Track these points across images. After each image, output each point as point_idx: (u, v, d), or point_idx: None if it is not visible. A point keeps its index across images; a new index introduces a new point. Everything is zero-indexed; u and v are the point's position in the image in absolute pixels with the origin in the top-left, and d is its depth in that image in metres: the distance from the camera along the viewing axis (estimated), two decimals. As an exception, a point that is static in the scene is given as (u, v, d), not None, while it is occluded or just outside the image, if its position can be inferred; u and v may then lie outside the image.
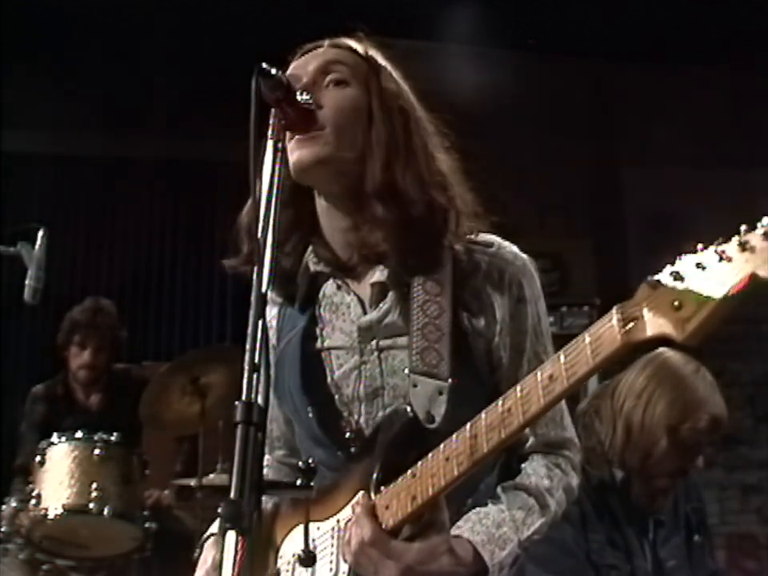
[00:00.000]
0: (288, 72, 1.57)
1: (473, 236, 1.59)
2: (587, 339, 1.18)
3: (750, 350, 5.86)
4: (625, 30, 5.32)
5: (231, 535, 1.07)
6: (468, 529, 1.43)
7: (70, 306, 4.43)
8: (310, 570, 1.50)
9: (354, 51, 1.59)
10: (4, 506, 3.54)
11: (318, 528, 1.52)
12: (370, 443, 1.51)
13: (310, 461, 1.38)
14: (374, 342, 1.56)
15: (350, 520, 1.45)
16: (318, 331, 1.61)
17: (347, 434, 1.56)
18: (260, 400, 1.15)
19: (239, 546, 1.07)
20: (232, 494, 1.09)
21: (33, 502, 3.42)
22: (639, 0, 5.15)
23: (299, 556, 1.37)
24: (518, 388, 1.27)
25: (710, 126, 5.22)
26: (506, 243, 1.60)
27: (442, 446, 1.37)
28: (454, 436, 1.35)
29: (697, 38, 5.29)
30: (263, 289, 1.24)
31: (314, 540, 1.52)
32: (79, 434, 3.56)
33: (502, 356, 1.54)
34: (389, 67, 1.61)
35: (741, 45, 4.92)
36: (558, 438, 1.57)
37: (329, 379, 1.59)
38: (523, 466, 1.54)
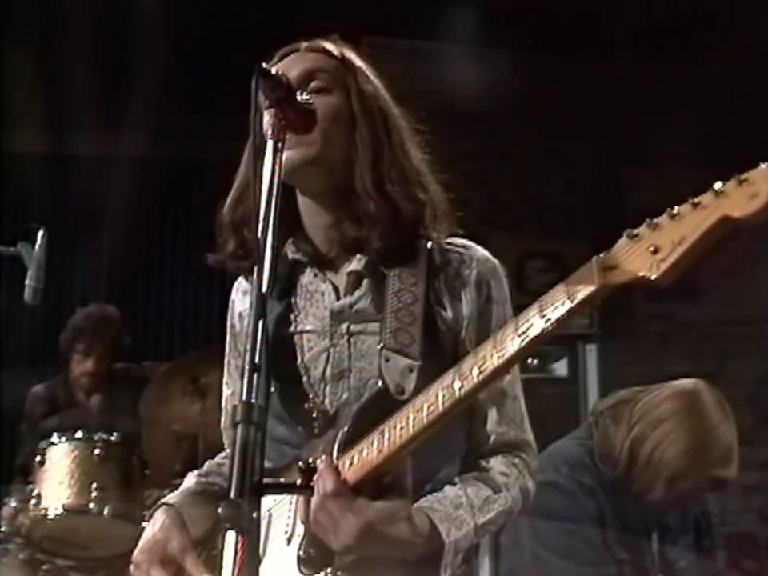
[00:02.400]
0: None
1: (447, 239, 1.67)
2: (563, 284, 1.23)
3: (750, 350, 5.85)
4: (625, 29, 5.31)
5: (231, 535, 1.07)
6: (427, 506, 1.45)
7: (71, 307, 4.42)
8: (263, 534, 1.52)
9: (331, 54, 1.66)
10: (4, 506, 3.54)
11: (275, 499, 1.54)
12: (333, 420, 1.54)
13: (310, 461, 1.38)
14: (344, 326, 1.60)
15: None
16: (292, 317, 1.66)
17: (313, 415, 1.58)
18: (260, 400, 1.15)
19: (239, 546, 1.07)
20: (232, 494, 1.09)
21: (33, 501, 3.42)
22: (639, 0, 5.15)
23: (299, 557, 1.37)
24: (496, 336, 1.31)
25: (710, 125, 5.21)
26: (479, 247, 1.69)
27: (411, 401, 1.38)
28: (424, 391, 1.37)
29: (696, 37, 5.28)
30: (263, 289, 1.25)
31: (269, 509, 1.54)
32: (79, 434, 3.55)
33: (468, 350, 1.55)
34: (364, 67, 1.68)
35: (740, 45, 4.91)
36: (518, 439, 1.62)
37: (299, 361, 1.62)
38: (482, 462, 1.58)
